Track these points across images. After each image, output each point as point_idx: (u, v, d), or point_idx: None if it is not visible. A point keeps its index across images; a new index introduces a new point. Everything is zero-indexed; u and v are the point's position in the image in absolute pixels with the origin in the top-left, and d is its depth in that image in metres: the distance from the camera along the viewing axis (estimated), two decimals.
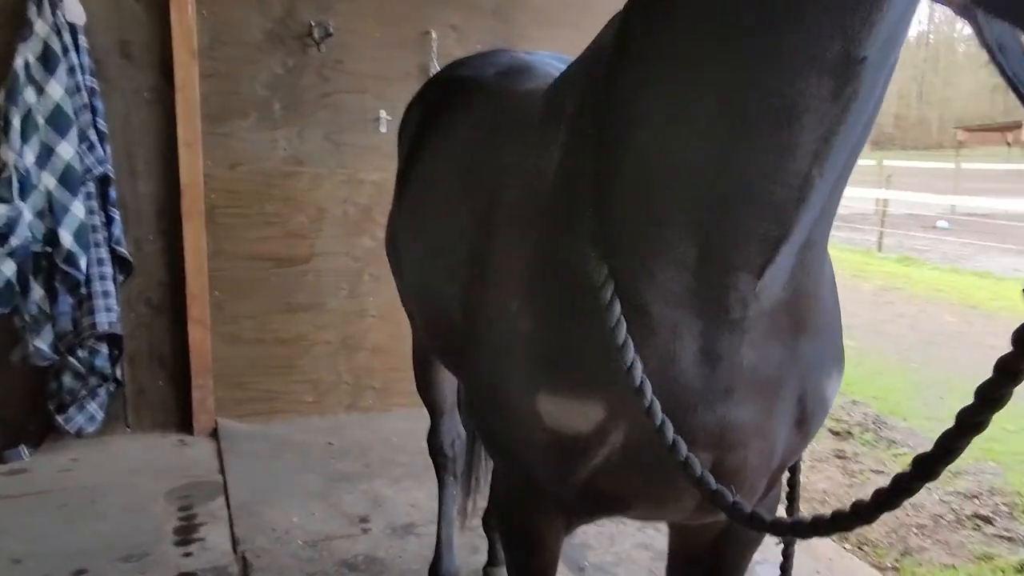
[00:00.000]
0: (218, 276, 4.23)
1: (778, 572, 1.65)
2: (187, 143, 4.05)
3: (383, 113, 4.42)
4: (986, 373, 0.83)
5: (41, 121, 3.62)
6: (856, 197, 18.24)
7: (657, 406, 1.09)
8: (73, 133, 3.67)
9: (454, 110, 2.07)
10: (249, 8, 4.12)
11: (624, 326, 1.10)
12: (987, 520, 3.95)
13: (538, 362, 1.24)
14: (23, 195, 3.57)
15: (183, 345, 4.19)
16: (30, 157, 3.58)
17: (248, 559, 2.99)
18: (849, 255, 13.78)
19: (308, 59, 4.25)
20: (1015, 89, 0.76)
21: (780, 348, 1.19)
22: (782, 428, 1.25)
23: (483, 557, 3.00)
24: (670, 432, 1.10)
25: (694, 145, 1.03)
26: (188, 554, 3.01)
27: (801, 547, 2.50)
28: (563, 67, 2.18)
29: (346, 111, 4.38)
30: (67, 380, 3.83)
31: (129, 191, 4.04)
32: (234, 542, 3.12)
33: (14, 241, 3.52)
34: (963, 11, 0.76)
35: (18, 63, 3.56)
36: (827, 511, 1.07)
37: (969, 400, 0.84)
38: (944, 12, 0.92)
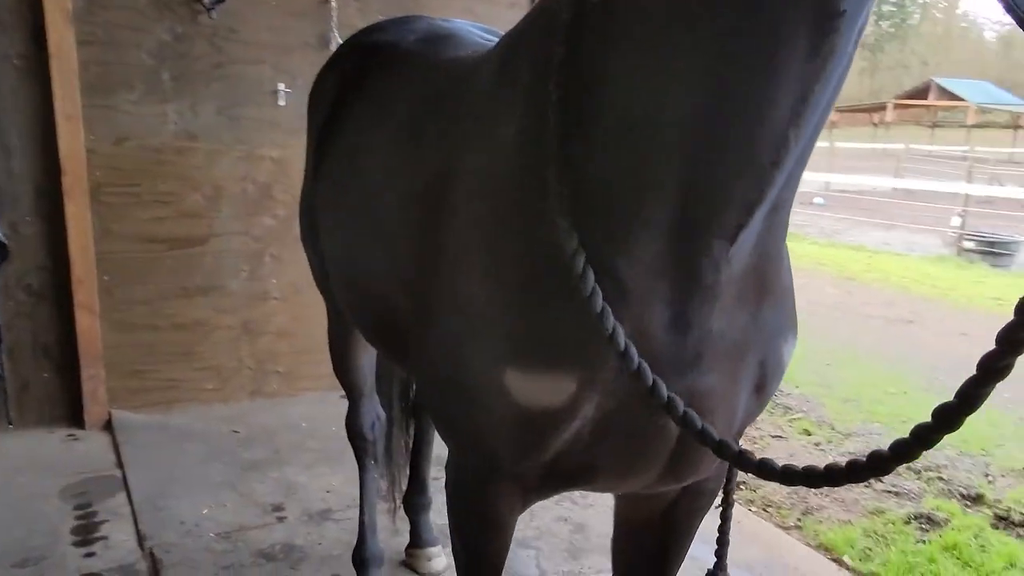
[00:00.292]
0: (106, 259, 3.96)
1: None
2: (66, 116, 3.75)
3: (282, 86, 4.23)
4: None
5: None
6: None
7: (646, 366, 1.07)
8: None
9: (379, 78, 1.98)
10: None
11: (600, 295, 1.07)
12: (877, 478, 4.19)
13: (505, 338, 1.19)
14: None
15: (70, 333, 3.90)
16: None
17: (157, 555, 2.83)
18: None
19: (199, 27, 4.01)
20: (1013, 13, 0.76)
21: (746, 314, 1.18)
22: (744, 393, 1.25)
23: (405, 539, 2.95)
24: (663, 391, 1.07)
25: (671, 109, 1.00)
26: (90, 554, 2.81)
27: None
28: (489, 36, 2.13)
29: (242, 83, 4.16)
30: None
31: (2, 169, 3.71)
32: (140, 538, 2.94)
33: None
34: None
35: None
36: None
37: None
38: None
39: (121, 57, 3.88)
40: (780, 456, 4.30)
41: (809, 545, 3.30)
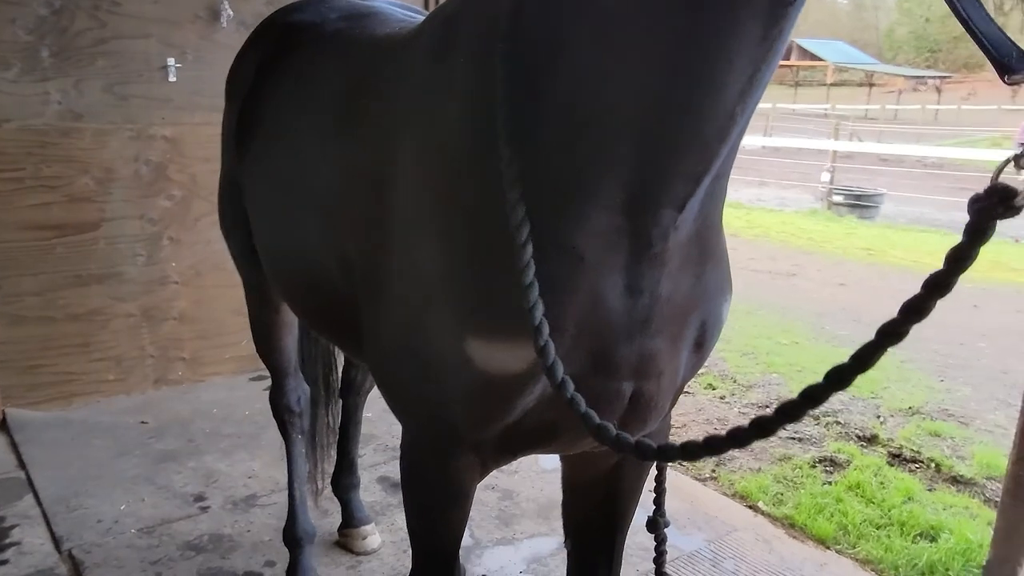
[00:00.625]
0: None
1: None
2: None
3: (171, 61, 4.04)
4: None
5: None
6: None
7: (551, 346, 1.10)
8: None
9: (304, 57, 1.94)
10: None
11: (532, 269, 1.10)
12: None
13: (465, 306, 1.22)
14: None
15: None
16: None
17: (77, 557, 2.73)
18: None
19: (79, 0, 3.77)
20: (967, 28, 0.84)
21: (691, 276, 1.25)
22: (686, 352, 1.33)
23: (334, 520, 2.95)
24: (570, 387, 1.12)
25: (625, 87, 1.03)
26: (3, 562, 2.69)
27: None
28: (408, 13, 2.12)
29: (129, 59, 3.94)
30: None
31: None
32: (56, 541, 2.82)
33: None
34: None
35: None
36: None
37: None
38: None
39: None
40: (689, 411, 4.52)
41: (726, 495, 3.49)
